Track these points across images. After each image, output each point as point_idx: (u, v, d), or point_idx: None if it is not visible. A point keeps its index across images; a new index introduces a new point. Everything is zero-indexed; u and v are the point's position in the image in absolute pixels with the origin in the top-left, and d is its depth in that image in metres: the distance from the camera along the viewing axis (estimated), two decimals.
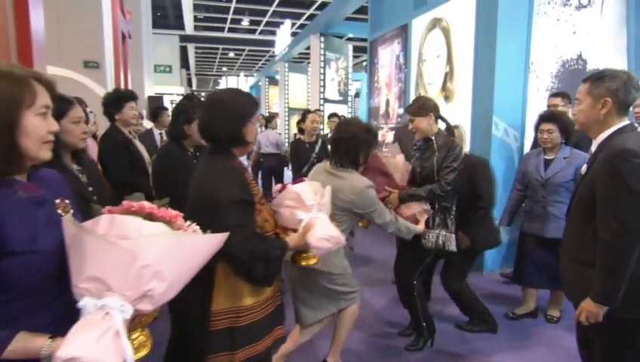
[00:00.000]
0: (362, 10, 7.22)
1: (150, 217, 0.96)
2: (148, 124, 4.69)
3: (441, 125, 2.42)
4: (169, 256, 0.89)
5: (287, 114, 12.22)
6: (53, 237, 0.89)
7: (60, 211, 0.96)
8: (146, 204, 0.98)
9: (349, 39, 11.04)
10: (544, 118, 2.72)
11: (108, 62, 4.16)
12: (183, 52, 16.56)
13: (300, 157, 3.88)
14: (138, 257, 0.84)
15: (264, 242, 1.33)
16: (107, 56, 4.13)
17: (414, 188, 2.33)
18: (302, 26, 13.06)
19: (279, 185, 1.57)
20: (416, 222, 2.23)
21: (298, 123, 4.47)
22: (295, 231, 1.44)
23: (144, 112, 6.95)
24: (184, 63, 17.86)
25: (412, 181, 2.39)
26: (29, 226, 0.87)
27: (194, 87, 27.08)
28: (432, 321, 2.56)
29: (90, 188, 1.61)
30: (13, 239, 0.84)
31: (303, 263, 1.50)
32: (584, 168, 1.62)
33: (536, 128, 2.77)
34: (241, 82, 21.47)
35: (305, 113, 4.10)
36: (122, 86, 5.05)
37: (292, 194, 1.47)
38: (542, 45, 3.78)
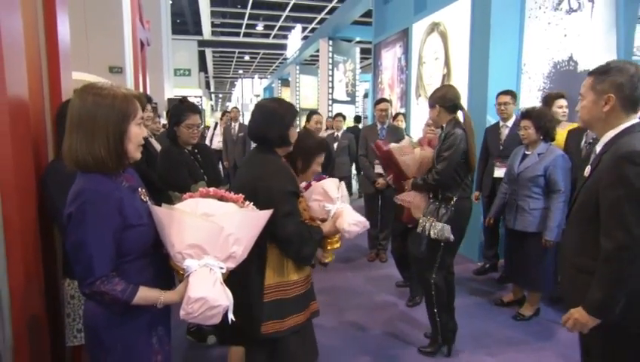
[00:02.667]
0: (369, 14, 7.44)
1: (222, 199, 1.27)
2: None
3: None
4: (243, 226, 1.20)
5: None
6: (148, 215, 1.19)
7: (142, 197, 1.24)
8: (218, 190, 1.31)
9: (358, 42, 11.25)
10: (522, 115, 2.85)
11: (128, 68, 4.52)
12: (202, 56, 17.07)
13: None
14: (224, 228, 1.14)
15: (308, 227, 1.55)
16: (127, 62, 4.48)
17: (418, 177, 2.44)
18: (313, 30, 13.35)
19: (305, 183, 1.76)
20: (406, 211, 2.39)
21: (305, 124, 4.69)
22: (322, 220, 1.68)
23: (164, 113, 7.34)
24: (202, 67, 18.38)
25: None
26: (135, 206, 1.16)
27: (212, 90, 27.71)
28: (448, 327, 2.42)
29: None
30: (130, 215, 1.13)
31: (329, 247, 1.72)
32: (587, 171, 1.43)
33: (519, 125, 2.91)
34: (256, 84, 21.86)
35: (310, 114, 4.30)
36: (141, 89, 5.41)
37: (319, 189, 1.69)
38: (534, 48, 3.94)
